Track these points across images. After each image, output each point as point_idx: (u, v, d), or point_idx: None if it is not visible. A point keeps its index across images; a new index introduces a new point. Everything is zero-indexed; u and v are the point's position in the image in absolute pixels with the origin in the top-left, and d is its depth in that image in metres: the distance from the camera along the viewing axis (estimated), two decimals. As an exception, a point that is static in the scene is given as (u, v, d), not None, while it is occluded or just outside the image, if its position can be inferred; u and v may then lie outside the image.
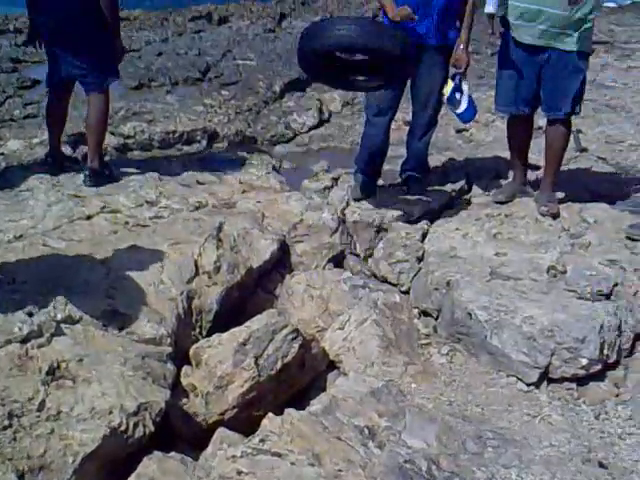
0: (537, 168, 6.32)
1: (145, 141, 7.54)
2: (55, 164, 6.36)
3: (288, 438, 3.32)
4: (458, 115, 5.71)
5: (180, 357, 4.31)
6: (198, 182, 6.34)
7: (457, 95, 5.57)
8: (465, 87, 5.59)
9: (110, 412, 3.45)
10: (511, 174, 6.12)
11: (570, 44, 5.22)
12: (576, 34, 5.19)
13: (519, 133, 5.75)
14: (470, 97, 5.63)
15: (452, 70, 5.64)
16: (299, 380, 4.39)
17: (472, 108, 5.66)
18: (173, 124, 7.90)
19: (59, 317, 3.96)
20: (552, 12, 5.12)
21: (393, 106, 5.87)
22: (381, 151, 6.07)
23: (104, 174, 6.09)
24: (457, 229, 5.39)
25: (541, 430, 3.75)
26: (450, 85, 5.58)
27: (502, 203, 5.67)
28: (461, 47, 5.51)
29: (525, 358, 4.16)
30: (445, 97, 5.64)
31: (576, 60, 5.30)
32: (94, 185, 5.91)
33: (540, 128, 6.79)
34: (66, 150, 6.75)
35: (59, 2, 5.71)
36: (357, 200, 5.93)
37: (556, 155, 5.56)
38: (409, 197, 5.97)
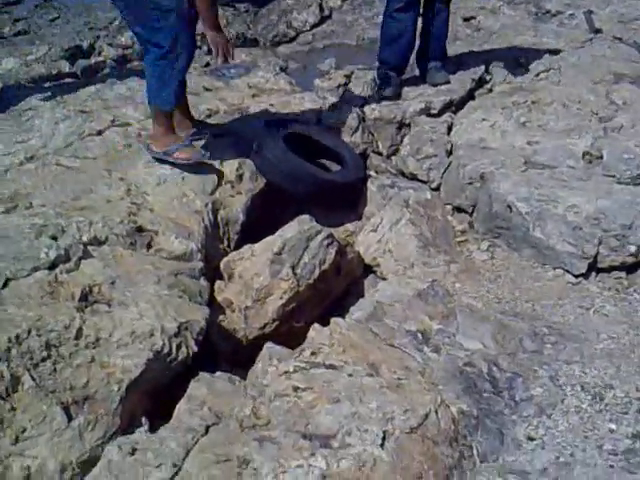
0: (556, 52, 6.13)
1: (144, 50, 7.23)
2: None
3: (340, 349, 3.15)
4: None
5: (210, 272, 4.14)
6: (205, 89, 6.07)
7: None
8: None
9: (151, 334, 3.26)
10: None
11: None
12: None
13: None
14: None
15: None
16: (336, 287, 4.25)
17: None
18: (171, 31, 7.56)
19: (85, 239, 3.77)
20: None
21: None
22: (411, 47, 5.75)
23: None
24: (484, 119, 5.13)
25: (597, 323, 3.60)
26: None
27: None
28: None
29: (572, 249, 3.98)
30: None
31: None
32: None
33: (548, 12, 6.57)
34: (64, 66, 6.47)
35: None
36: (387, 99, 5.64)
37: None
38: (428, 89, 5.70)
